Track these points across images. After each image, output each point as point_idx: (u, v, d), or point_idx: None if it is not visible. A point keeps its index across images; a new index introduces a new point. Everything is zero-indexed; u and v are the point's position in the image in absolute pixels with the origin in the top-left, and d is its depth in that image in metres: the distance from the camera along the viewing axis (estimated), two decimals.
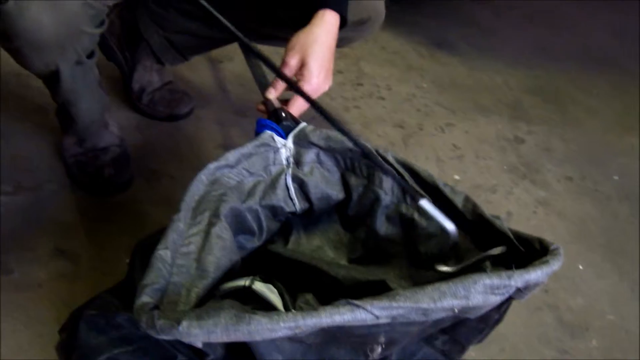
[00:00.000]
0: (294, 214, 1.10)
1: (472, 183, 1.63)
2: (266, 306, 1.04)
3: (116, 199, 1.42)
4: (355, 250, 1.13)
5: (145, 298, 0.76)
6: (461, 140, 1.80)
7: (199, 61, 1.93)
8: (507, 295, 0.81)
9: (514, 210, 1.56)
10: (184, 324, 0.69)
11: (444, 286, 0.76)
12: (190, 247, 0.88)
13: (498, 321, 0.95)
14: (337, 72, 1.88)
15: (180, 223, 0.89)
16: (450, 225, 0.97)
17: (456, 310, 0.79)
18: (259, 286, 1.09)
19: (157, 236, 1.02)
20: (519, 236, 0.95)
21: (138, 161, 1.52)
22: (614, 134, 1.94)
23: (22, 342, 1.08)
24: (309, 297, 1.10)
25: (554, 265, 0.84)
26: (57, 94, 1.32)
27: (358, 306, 0.71)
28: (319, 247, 1.14)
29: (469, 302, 0.77)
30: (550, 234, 1.49)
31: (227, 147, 1.61)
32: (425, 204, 0.98)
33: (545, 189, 1.64)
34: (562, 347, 1.19)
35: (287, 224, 1.11)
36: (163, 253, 0.83)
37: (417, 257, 1.06)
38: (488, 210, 1.48)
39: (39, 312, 1.14)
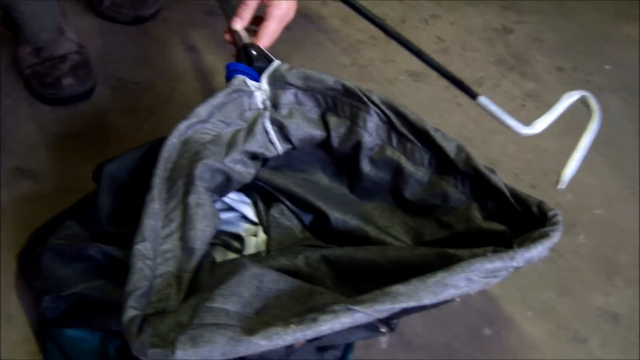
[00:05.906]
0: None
1: (458, 76, 1.56)
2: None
3: (78, 110, 1.35)
4: (340, 186, 1.08)
5: (132, 312, 0.69)
6: (446, 33, 1.72)
7: None
8: (506, 275, 0.76)
9: (501, 102, 1.46)
10: (179, 353, 0.63)
11: (446, 278, 0.70)
12: (172, 225, 0.81)
13: None
14: None
15: (155, 203, 0.80)
16: (518, 126, 0.90)
17: (457, 300, 0.76)
18: (231, 195, 1.04)
19: (126, 160, 0.97)
20: (516, 195, 0.89)
21: (101, 69, 1.44)
22: (609, 23, 1.84)
23: None
24: (283, 207, 1.06)
25: (555, 237, 0.78)
26: None
27: (358, 311, 0.67)
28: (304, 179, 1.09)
29: (470, 290, 0.72)
30: None
31: (197, 50, 1.54)
32: (484, 100, 0.91)
33: (535, 80, 1.57)
34: None
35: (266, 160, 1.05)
36: (142, 247, 0.75)
37: (403, 201, 1.01)
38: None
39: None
